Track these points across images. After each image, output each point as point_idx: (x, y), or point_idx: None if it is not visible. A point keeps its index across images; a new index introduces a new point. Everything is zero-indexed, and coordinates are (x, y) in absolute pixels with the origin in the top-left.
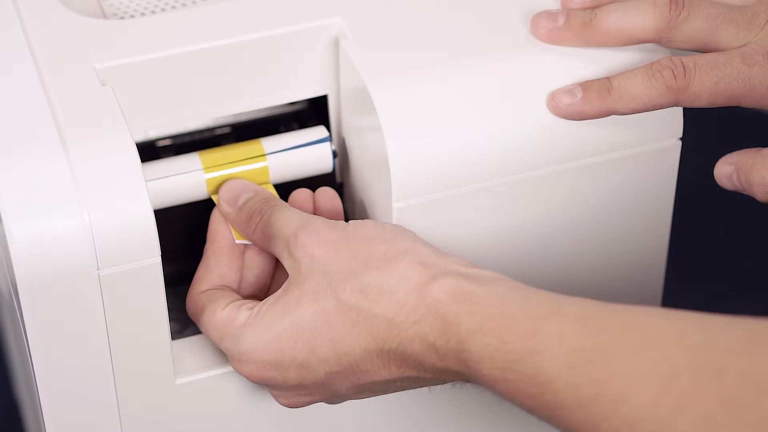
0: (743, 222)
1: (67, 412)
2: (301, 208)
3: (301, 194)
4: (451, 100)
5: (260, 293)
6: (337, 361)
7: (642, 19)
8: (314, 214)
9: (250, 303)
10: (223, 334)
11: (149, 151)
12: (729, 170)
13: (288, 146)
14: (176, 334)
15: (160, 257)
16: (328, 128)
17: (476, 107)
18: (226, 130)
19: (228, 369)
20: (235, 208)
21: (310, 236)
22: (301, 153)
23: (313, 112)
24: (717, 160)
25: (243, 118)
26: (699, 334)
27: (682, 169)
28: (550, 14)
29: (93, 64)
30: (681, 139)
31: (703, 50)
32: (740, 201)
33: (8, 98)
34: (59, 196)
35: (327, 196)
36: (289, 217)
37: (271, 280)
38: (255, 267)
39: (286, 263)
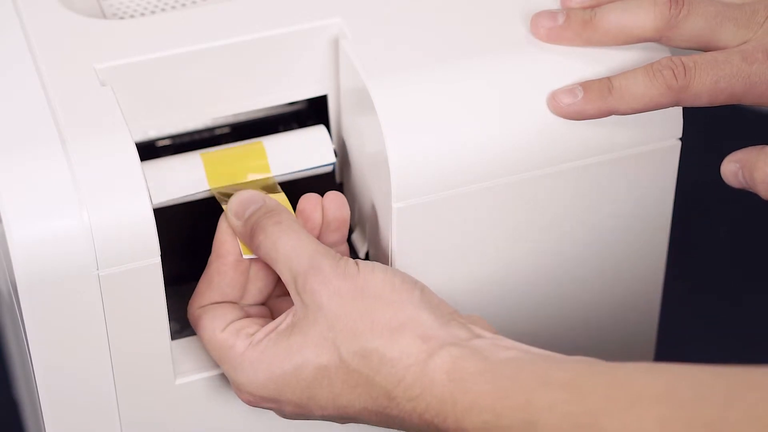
0: (743, 222)
1: (67, 412)
2: (309, 217)
3: (310, 202)
4: (451, 100)
5: (263, 299)
6: (336, 410)
7: (642, 18)
8: (322, 222)
9: (249, 327)
10: (221, 357)
11: (149, 151)
12: (734, 168)
13: (294, 169)
14: (176, 334)
15: (160, 257)
16: (328, 128)
17: (476, 107)
18: (226, 130)
19: None
20: (242, 221)
21: (319, 284)
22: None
23: (313, 112)
24: (717, 160)
25: (243, 118)
26: (688, 389)
27: (682, 169)
28: (550, 13)
29: (93, 64)
30: (681, 139)
31: (703, 48)
32: (740, 200)
33: (8, 98)
34: (59, 196)
35: (335, 203)
36: (297, 250)
37: (274, 287)
38: (259, 279)
39: (294, 299)
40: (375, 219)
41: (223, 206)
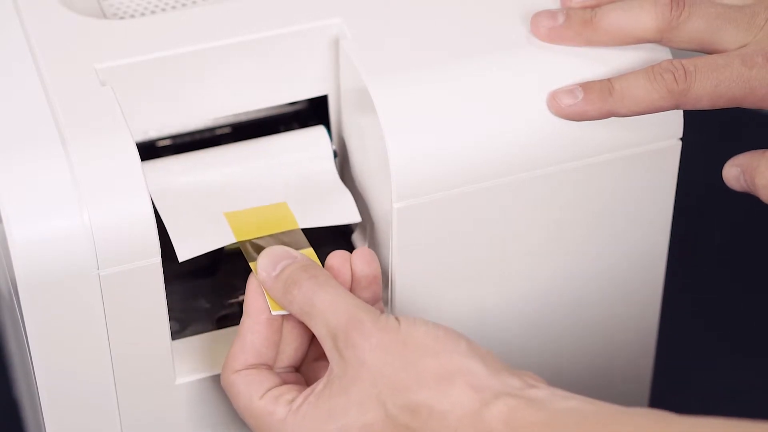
0: (743, 222)
1: (67, 412)
2: (338, 274)
3: (338, 258)
4: (451, 100)
5: (297, 362)
6: None
7: (643, 19)
8: (352, 278)
9: (288, 394)
10: (260, 426)
11: (149, 151)
12: (736, 172)
13: (321, 225)
14: (176, 334)
15: (160, 257)
16: (328, 128)
17: (476, 107)
18: (226, 130)
19: None
20: (272, 276)
21: (360, 339)
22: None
23: (313, 112)
24: (718, 160)
25: (243, 118)
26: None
27: (682, 169)
28: (550, 13)
29: (93, 64)
30: (681, 139)
31: (703, 50)
32: (740, 201)
33: (8, 98)
34: (59, 196)
35: (364, 259)
36: (336, 305)
37: (308, 348)
38: (293, 340)
39: (331, 355)
40: (375, 219)
41: (251, 265)
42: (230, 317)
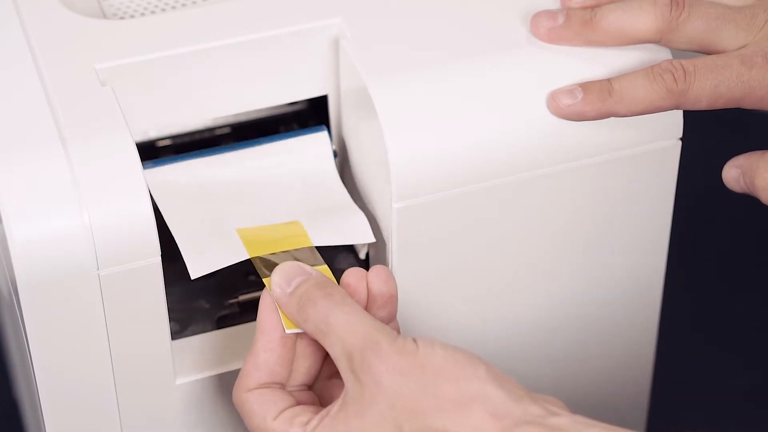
0: (743, 222)
1: (67, 412)
2: (354, 292)
3: (354, 275)
4: (451, 100)
5: (310, 380)
6: None
7: (643, 19)
8: (368, 297)
9: (303, 415)
10: None
11: (149, 151)
12: (735, 173)
13: (334, 244)
14: (176, 334)
15: (160, 257)
16: (328, 128)
17: (476, 107)
18: (226, 130)
19: (228, 369)
20: (287, 293)
21: (378, 361)
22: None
23: (313, 112)
24: (717, 161)
25: (243, 118)
26: None
27: (682, 169)
28: (550, 13)
29: (93, 64)
30: (681, 139)
31: (702, 51)
32: (740, 201)
33: (8, 98)
34: (59, 196)
35: (381, 277)
36: (351, 325)
37: (321, 366)
38: (306, 358)
39: (346, 377)
40: (375, 219)
41: (265, 281)
42: (230, 317)
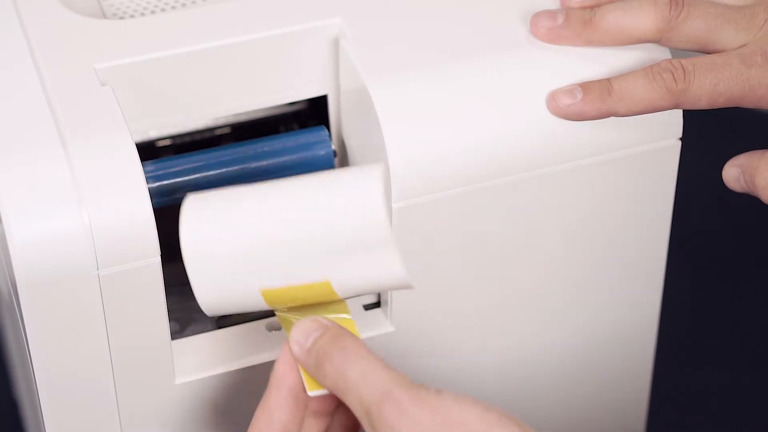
0: (743, 222)
1: (67, 412)
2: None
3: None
4: (450, 100)
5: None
6: None
7: (642, 19)
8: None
9: None
10: None
11: (149, 151)
12: (736, 173)
13: (360, 293)
14: (176, 334)
15: (160, 257)
16: (328, 128)
17: (476, 107)
18: (226, 130)
19: (228, 369)
20: (305, 349)
21: (396, 415)
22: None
23: (313, 112)
24: (718, 160)
25: (243, 118)
26: None
27: (682, 169)
28: (550, 13)
29: (93, 64)
30: (681, 139)
31: (702, 50)
32: (741, 200)
33: (8, 98)
34: (59, 196)
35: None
36: (367, 378)
37: (332, 419)
38: (318, 413)
39: (366, 430)
40: None
41: (287, 333)
42: (230, 317)
